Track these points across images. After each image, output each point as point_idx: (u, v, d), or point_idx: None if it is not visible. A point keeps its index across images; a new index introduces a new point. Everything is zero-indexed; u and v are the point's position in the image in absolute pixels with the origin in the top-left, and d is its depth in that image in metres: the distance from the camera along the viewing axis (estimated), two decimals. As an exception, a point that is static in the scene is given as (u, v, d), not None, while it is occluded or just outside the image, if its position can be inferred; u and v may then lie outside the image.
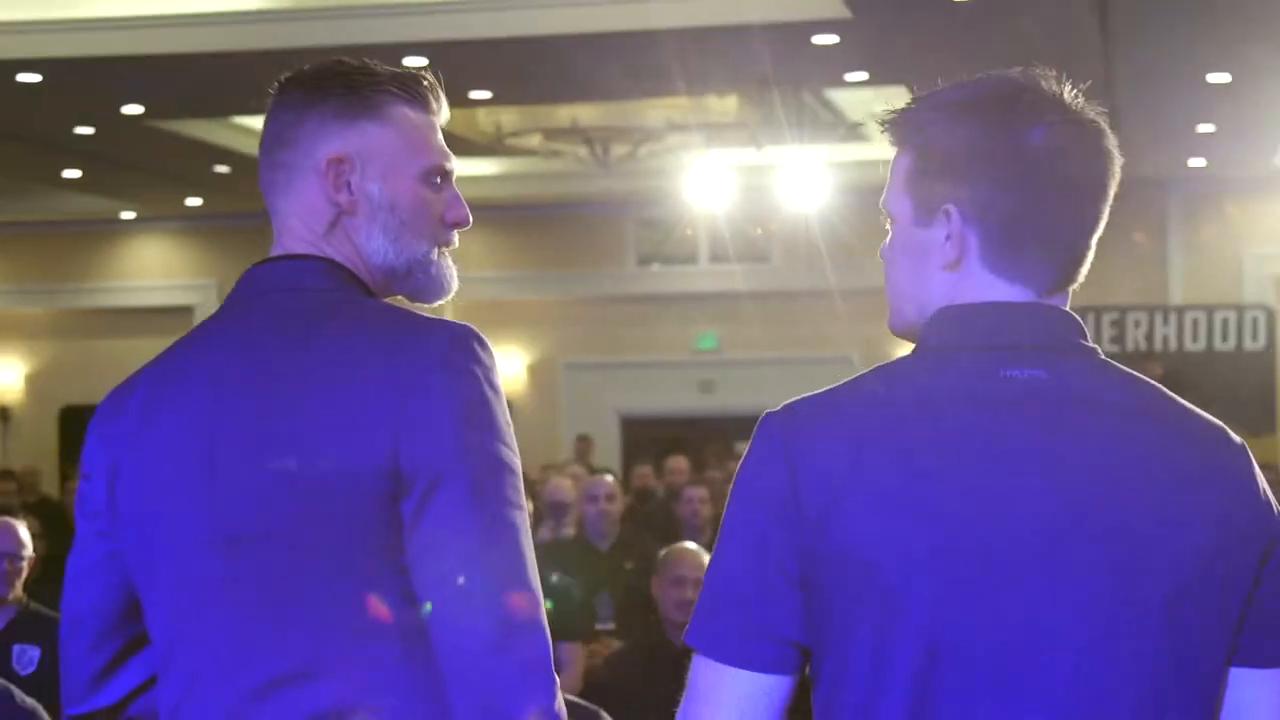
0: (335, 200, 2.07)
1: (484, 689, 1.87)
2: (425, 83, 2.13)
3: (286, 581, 1.93)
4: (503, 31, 9.01)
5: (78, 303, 17.38)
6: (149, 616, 2.06)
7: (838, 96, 11.77)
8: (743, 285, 14.64)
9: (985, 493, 1.69)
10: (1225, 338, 13.49)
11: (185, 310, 15.59)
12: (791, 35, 8.99)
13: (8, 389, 17.69)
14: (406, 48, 8.85)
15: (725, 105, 12.18)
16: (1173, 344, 13.46)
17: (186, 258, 16.73)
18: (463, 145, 12.94)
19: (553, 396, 16.81)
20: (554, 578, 7.31)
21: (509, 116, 12.77)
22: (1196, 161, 13.36)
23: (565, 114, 12.51)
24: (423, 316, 2.02)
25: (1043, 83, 1.80)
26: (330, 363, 1.95)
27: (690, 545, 5.81)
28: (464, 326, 1.99)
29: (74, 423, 15.58)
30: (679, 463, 11.72)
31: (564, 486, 8.51)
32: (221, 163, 12.96)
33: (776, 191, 11.22)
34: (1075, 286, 1.84)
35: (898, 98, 1.89)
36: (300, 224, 2.09)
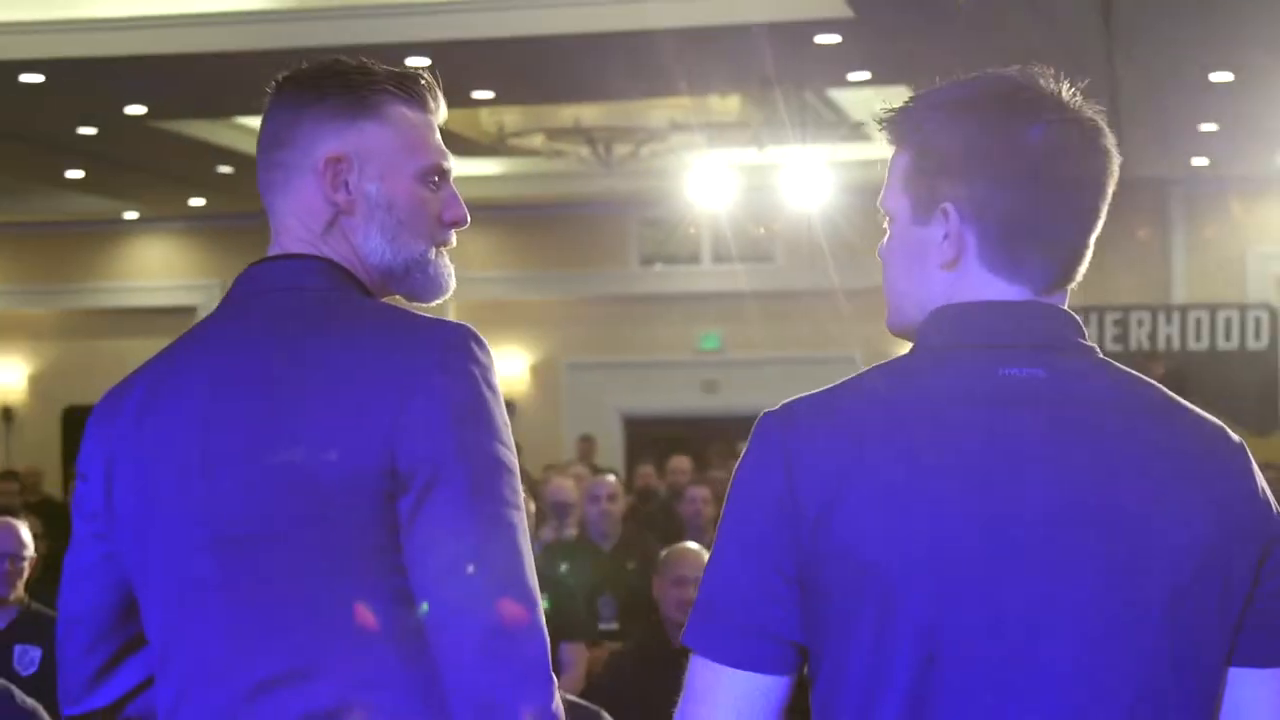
0: (333, 200, 2.06)
1: (481, 689, 1.86)
2: (423, 82, 2.12)
3: (282, 581, 1.93)
4: (505, 31, 9.02)
5: (81, 303, 17.41)
6: (145, 617, 2.05)
7: (840, 96, 11.77)
8: (745, 285, 14.65)
9: (984, 492, 1.69)
10: (1228, 337, 13.49)
11: (188, 310, 15.58)
12: (794, 35, 8.99)
13: (11, 389, 17.71)
14: (409, 48, 8.86)
15: (728, 105, 12.18)
16: (1176, 343, 13.46)
17: (189, 258, 16.74)
18: (465, 145, 12.94)
19: (555, 396, 16.83)
20: (563, 567, 7.32)
21: (511, 116, 12.77)
22: (1199, 161, 13.37)
23: (568, 114, 12.51)
24: (420, 316, 2.01)
25: (1041, 81, 1.80)
26: (327, 363, 1.94)
27: (692, 545, 5.80)
28: (461, 326, 1.99)
29: (77, 423, 15.47)
30: (681, 462, 11.72)
31: (566, 487, 8.51)
32: (224, 163, 12.98)
33: (779, 191, 11.22)
34: (1074, 285, 1.84)
35: (900, 97, 1.89)
36: (298, 223, 2.08)
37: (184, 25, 9.12)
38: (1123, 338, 13.41)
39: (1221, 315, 13.59)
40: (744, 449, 1.80)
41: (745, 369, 16.14)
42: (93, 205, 15.48)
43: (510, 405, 15.79)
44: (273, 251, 2.10)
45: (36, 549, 5.51)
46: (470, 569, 1.87)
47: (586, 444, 15.37)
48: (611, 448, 16.41)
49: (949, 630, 1.68)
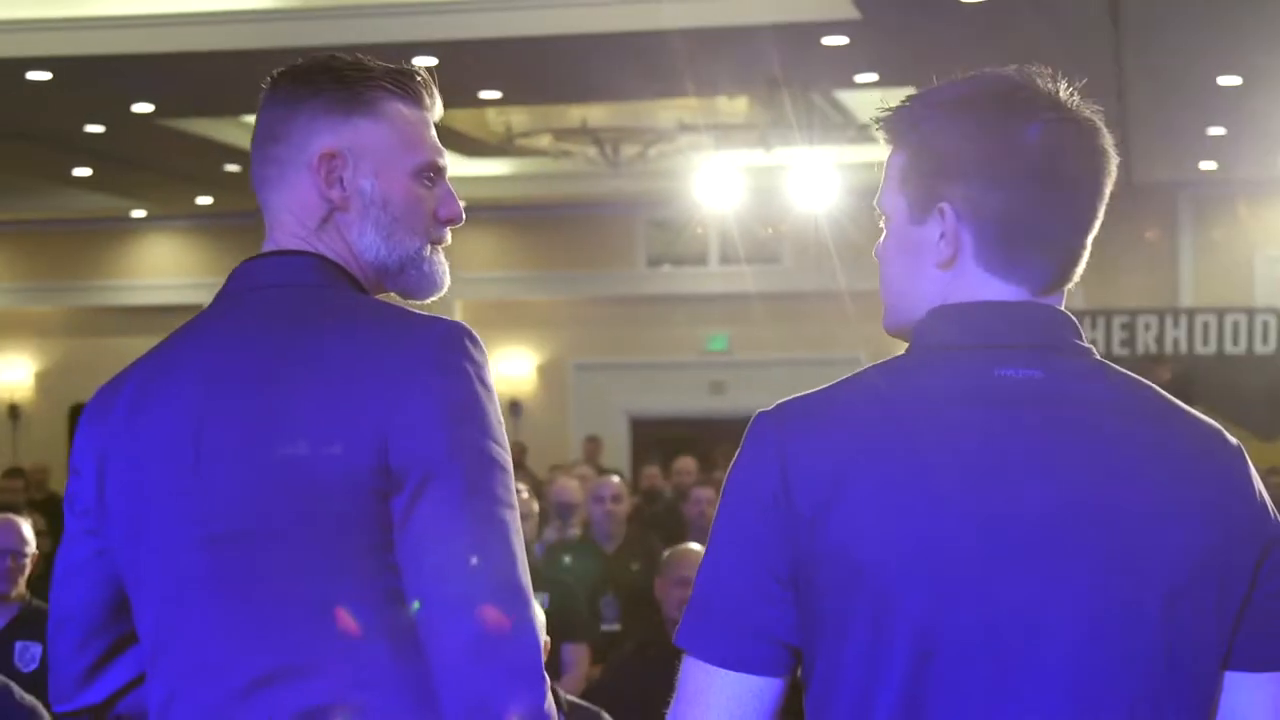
0: (328, 196, 2.06)
1: (473, 687, 1.85)
2: (419, 78, 2.11)
3: (274, 579, 1.92)
4: (513, 31, 9.02)
5: (88, 301, 17.44)
6: (137, 614, 2.05)
7: (847, 98, 11.77)
8: (753, 286, 14.66)
9: (981, 492, 1.68)
10: (1236, 341, 13.46)
11: (195, 309, 15.27)
12: (801, 36, 8.99)
13: (18, 387, 17.75)
14: (416, 47, 8.86)
15: (735, 106, 12.18)
16: (1183, 347, 13.44)
17: (196, 256, 16.76)
18: (473, 145, 12.96)
19: (562, 397, 16.84)
20: (566, 559, 7.31)
21: (519, 117, 12.79)
22: (1208, 164, 13.36)
23: (575, 114, 12.52)
24: (414, 313, 2.00)
25: (1038, 80, 1.79)
26: (321, 359, 1.93)
27: (695, 546, 5.80)
28: (455, 323, 1.98)
29: (83, 421, 15.58)
30: (687, 463, 11.73)
31: (570, 487, 8.50)
32: (232, 161, 12.98)
33: (786, 193, 11.22)
34: (1071, 286, 1.83)
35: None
36: (292, 219, 2.07)
37: (191, 23, 9.13)
38: (1130, 341, 13.38)
39: (1229, 319, 13.56)
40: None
41: (753, 370, 16.14)
42: (100, 203, 15.50)
43: (517, 405, 15.72)
44: (267, 247, 2.10)
45: (39, 546, 5.52)
46: (463, 568, 1.87)
47: (593, 444, 15.38)
48: (618, 448, 16.42)
49: (946, 630, 1.67)
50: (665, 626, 5.52)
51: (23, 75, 9.86)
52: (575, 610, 6.58)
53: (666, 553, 5.82)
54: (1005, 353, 1.75)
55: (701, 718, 1.73)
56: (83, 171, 13.77)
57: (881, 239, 1.88)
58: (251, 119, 2.14)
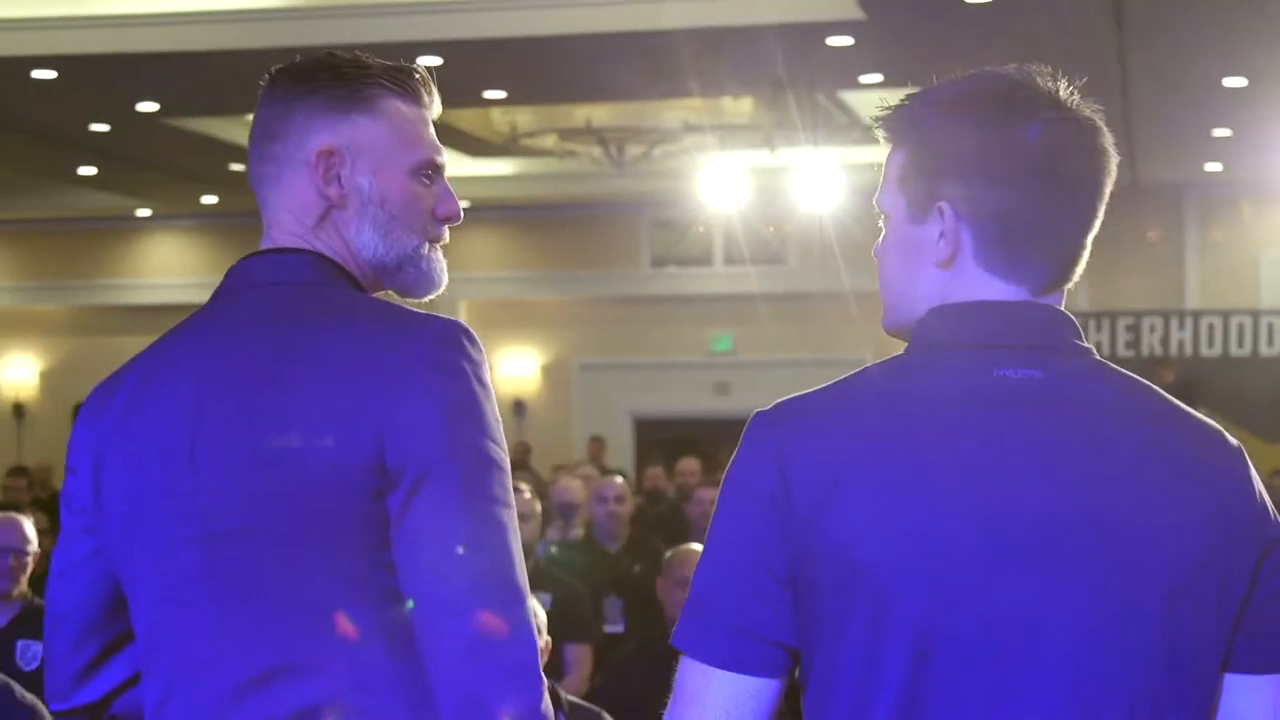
0: (325, 193, 2.05)
1: (468, 687, 1.85)
2: (417, 76, 2.11)
3: (270, 578, 1.91)
4: (517, 31, 9.02)
5: (93, 300, 17.46)
6: (133, 613, 2.04)
7: (852, 98, 11.76)
8: (757, 287, 14.66)
9: (980, 492, 1.68)
10: (1241, 343, 13.46)
11: (199, 308, 15.60)
12: (806, 37, 8.98)
13: (23, 385, 17.77)
14: (421, 47, 8.86)
15: (740, 107, 12.18)
16: (1188, 349, 13.43)
17: (201, 255, 16.77)
18: (477, 145, 12.96)
19: (566, 397, 16.84)
20: (568, 566, 7.29)
21: (524, 116, 12.79)
22: (1213, 166, 13.35)
23: (580, 114, 12.53)
24: (412, 312, 2.00)
25: (1038, 79, 1.78)
26: (318, 357, 1.93)
27: (697, 547, 5.78)
28: (452, 322, 1.97)
29: (88, 420, 15.59)
30: (690, 464, 11.71)
31: (573, 487, 8.49)
32: (237, 160, 12.99)
33: (791, 193, 11.22)
34: (1070, 286, 1.83)
35: (908, 100, 1.87)
36: (290, 217, 2.07)
37: (196, 22, 9.14)
38: (1135, 343, 13.38)
39: (1235, 321, 13.55)
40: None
41: (757, 371, 16.14)
42: (105, 202, 15.52)
43: (521, 405, 15.71)
44: (265, 245, 2.09)
45: (41, 544, 5.52)
46: (459, 567, 1.86)
47: (597, 445, 15.39)
48: (622, 449, 16.43)
49: (945, 630, 1.66)
50: (667, 627, 5.52)
51: (28, 74, 9.86)
52: (578, 611, 6.57)
53: (669, 553, 5.82)
54: (1005, 353, 1.75)
55: (698, 718, 1.72)
56: (88, 170, 13.78)
57: (881, 238, 1.88)
58: (256, 119, 2.13)
